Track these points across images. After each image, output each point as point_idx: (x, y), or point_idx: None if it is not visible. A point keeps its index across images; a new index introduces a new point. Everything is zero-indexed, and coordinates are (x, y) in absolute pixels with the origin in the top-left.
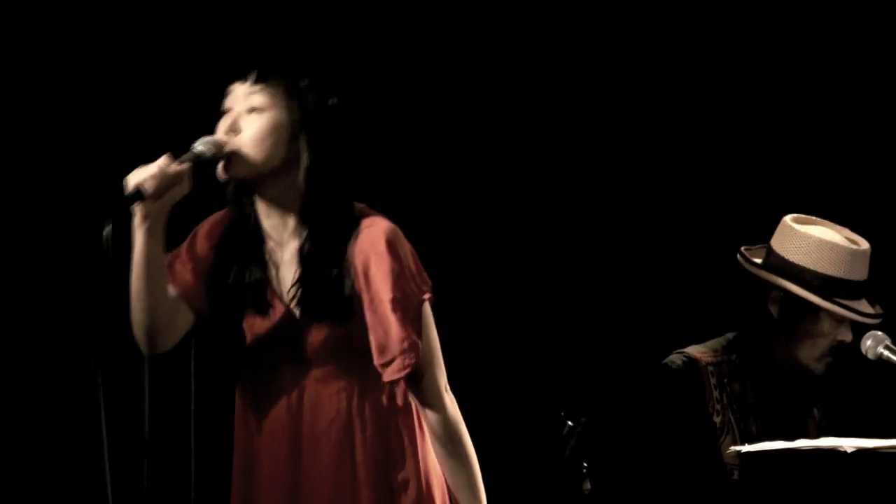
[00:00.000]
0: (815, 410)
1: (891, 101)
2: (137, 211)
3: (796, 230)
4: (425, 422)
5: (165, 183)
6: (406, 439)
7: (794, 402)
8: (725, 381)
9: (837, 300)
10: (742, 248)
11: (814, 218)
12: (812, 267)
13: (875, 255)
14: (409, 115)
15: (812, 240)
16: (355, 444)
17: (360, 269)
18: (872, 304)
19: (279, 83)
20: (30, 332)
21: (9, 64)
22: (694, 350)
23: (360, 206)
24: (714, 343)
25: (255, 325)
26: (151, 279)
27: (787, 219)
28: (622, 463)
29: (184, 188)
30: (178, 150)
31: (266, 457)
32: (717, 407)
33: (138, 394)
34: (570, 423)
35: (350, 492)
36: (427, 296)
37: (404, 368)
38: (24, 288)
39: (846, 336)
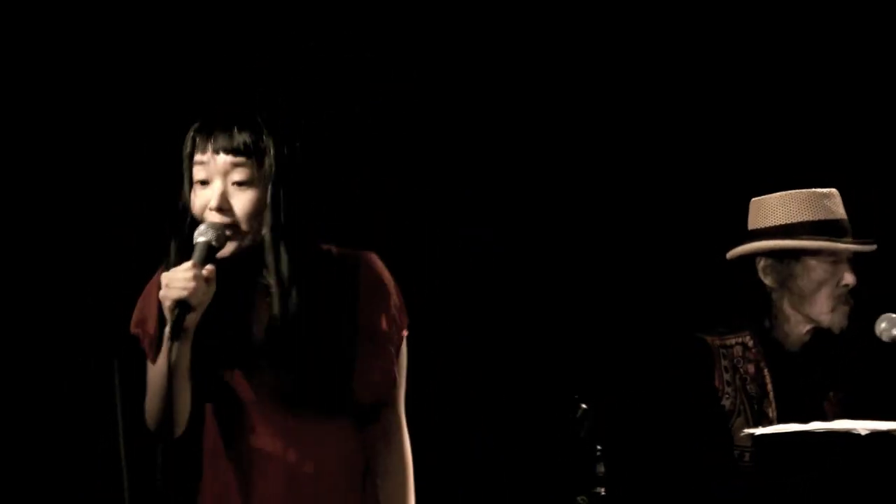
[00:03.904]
0: (832, 394)
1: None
2: (171, 325)
3: (759, 199)
4: (381, 460)
5: (203, 289)
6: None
7: (810, 383)
8: (738, 363)
9: (812, 237)
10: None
11: None
12: (780, 221)
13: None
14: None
15: (773, 197)
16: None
17: (352, 303)
18: (864, 242)
19: (260, 155)
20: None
21: None
22: (706, 333)
23: (327, 247)
24: (728, 325)
25: (228, 377)
26: (185, 384)
27: (753, 199)
28: (633, 445)
29: (213, 288)
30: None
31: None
32: (728, 390)
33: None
34: (583, 405)
35: None
36: (405, 333)
37: (377, 397)
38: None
39: (847, 278)
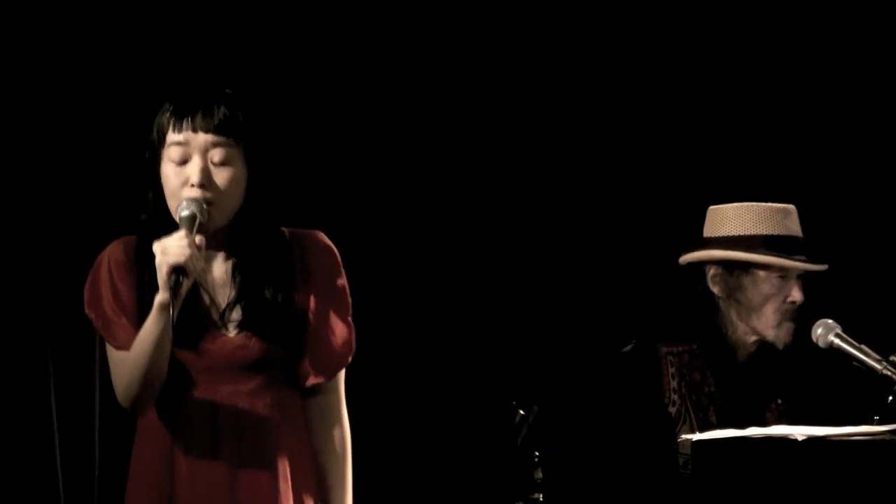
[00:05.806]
0: (776, 404)
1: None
2: (169, 290)
3: (716, 208)
4: (327, 440)
5: (196, 255)
6: (310, 461)
7: (753, 392)
8: (685, 370)
9: (764, 252)
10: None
11: None
12: (734, 232)
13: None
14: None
15: (731, 208)
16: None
17: (306, 277)
18: (815, 261)
19: (238, 137)
20: None
21: None
22: (655, 339)
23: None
24: (676, 333)
25: (189, 345)
26: (167, 352)
27: (711, 207)
28: (575, 449)
29: (203, 258)
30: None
31: (194, 476)
32: (674, 397)
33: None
34: (521, 411)
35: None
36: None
37: (336, 368)
38: None
39: (795, 295)
